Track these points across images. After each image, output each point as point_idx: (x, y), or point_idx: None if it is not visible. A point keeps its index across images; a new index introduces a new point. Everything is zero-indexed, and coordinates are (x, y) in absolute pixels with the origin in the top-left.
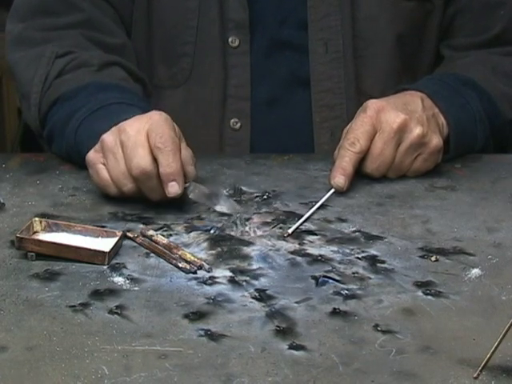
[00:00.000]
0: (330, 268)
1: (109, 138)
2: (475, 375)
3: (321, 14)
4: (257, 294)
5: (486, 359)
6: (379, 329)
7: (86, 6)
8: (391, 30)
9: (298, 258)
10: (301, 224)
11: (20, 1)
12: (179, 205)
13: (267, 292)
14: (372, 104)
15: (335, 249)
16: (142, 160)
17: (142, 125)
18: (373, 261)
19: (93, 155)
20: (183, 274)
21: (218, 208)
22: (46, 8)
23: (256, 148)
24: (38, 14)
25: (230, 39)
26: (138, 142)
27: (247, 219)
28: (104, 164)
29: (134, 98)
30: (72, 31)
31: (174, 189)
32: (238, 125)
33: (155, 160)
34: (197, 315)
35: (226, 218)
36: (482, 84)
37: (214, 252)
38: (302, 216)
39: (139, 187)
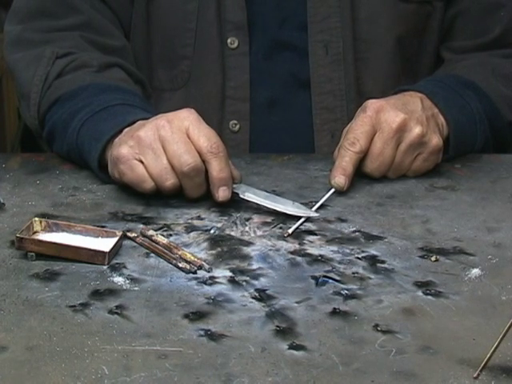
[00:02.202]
0: (330, 268)
1: (146, 133)
2: (475, 375)
3: (321, 16)
4: (257, 294)
5: (486, 359)
6: (379, 329)
7: (85, 9)
8: (391, 32)
9: (298, 258)
10: (301, 224)
11: (19, 3)
12: (179, 205)
13: (267, 292)
14: (371, 104)
15: (335, 249)
16: (192, 156)
17: (182, 122)
18: (373, 261)
19: (126, 151)
20: (183, 274)
21: (281, 209)
22: (45, 10)
23: (255, 150)
24: (37, 16)
25: (228, 40)
26: (182, 139)
27: (247, 219)
28: (140, 160)
29: (136, 99)
30: (71, 33)
31: (225, 193)
32: (237, 127)
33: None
34: (197, 315)
35: (226, 217)
36: (482, 86)
37: (214, 252)
38: (301, 216)
39: (181, 183)
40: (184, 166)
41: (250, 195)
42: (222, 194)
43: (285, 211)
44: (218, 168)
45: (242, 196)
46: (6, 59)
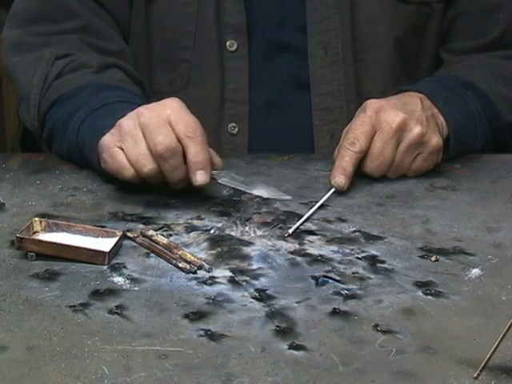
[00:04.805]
0: (330, 268)
1: (127, 121)
2: (475, 375)
3: (320, 17)
4: (257, 294)
5: (486, 359)
6: (379, 329)
7: (83, 13)
8: (391, 33)
9: (298, 258)
10: (301, 224)
11: (18, 7)
12: (179, 205)
13: (267, 292)
14: (371, 104)
15: (335, 249)
16: (167, 137)
17: (163, 109)
18: (373, 261)
19: (108, 138)
20: (183, 274)
21: (256, 192)
22: (43, 14)
23: (254, 152)
24: (36, 21)
25: (227, 43)
26: (160, 123)
27: (247, 219)
28: (120, 147)
29: (136, 97)
30: (70, 36)
31: (202, 177)
32: (236, 129)
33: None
34: (197, 315)
35: (226, 218)
36: (481, 87)
37: (214, 252)
38: (302, 216)
39: (160, 168)
40: (158, 147)
41: (226, 179)
42: (199, 178)
43: (258, 194)
44: (194, 151)
45: (218, 181)
46: (5, 63)
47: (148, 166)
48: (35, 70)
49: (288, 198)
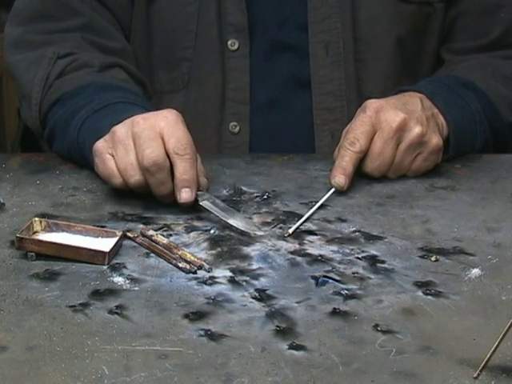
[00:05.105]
0: (330, 268)
1: (121, 129)
2: (475, 375)
3: (321, 17)
4: (257, 294)
5: (485, 359)
6: (379, 329)
7: (85, 11)
8: (392, 33)
9: (298, 258)
10: (301, 224)
11: (19, 5)
12: (179, 205)
13: (267, 292)
14: (371, 104)
15: (335, 249)
16: (155, 151)
17: (158, 121)
18: (373, 261)
19: (101, 144)
20: (183, 274)
21: (231, 222)
22: (45, 13)
23: (255, 151)
24: (38, 19)
25: (229, 42)
26: (152, 136)
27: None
28: (112, 154)
29: (137, 98)
30: (72, 34)
31: (187, 195)
32: (237, 128)
33: (169, 157)
34: (197, 315)
35: None
36: (482, 87)
37: (214, 252)
38: (302, 216)
39: (146, 180)
40: (145, 160)
41: (207, 203)
42: (184, 195)
43: (232, 224)
44: (181, 170)
45: (200, 203)
46: (7, 61)
47: (135, 177)
48: (37, 68)
49: (261, 233)
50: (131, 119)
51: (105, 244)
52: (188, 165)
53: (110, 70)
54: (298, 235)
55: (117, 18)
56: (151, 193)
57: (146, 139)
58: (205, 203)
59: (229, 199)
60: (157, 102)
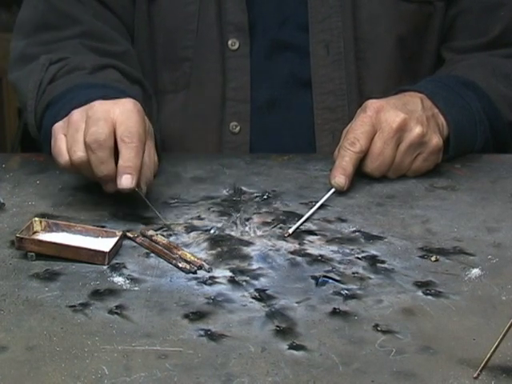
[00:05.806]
0: (330, 268)
1: (77, 112)
2: (475, 375)
3: (321, 16)
4: (257, 294)
5: (486, 359)
6: (379, 329)
7: (85, 19)
8: (392, 32)
9: (298, 258)
10: (301, 224)
11: (22, 18)
12: (179, 205)
13: (267, 292)
14: (372, 104)
15: (335, 249)
16: (99, 129)
17: (114, 108)
18: (373, 261)
19: (57, 125)
20: (183, 274)
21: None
22: (47, 23)
23: (256, 151)
24: (40, 30)
25: (229, 42)
26: (102, 117)
27: (247, 219)
28: (65, 134)
29: (121, 95)
30: (71, 41)
31: (127, 181)
32: (238, 128)
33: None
34: (197, 315)
35: (226, 217)
36: (482, 86)
37: (214, 252)
38: (302, 216)
39: (88, 158)
40: (87, 136)
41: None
42: (124, 181)
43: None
44: (125, 157)
45: (137, 189)
46: (9, 78)
47: (77, 152)
48: (33, 77)
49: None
50: (90, 104)
51: (105, 244)
52: (133, 153)
53: (102, 71)
54: (298, 235)
55: (121, 20)
56: (93, 176)
57: (96, 120)
58: (140, 192)
59: (229, 199)
60: (159, 103)
